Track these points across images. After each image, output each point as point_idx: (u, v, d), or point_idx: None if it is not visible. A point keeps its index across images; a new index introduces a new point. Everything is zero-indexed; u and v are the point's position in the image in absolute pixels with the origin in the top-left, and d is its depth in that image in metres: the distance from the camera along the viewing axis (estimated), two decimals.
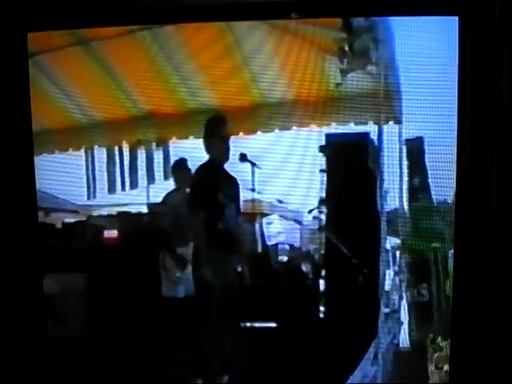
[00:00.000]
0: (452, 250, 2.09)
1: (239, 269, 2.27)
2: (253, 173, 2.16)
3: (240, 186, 2.21)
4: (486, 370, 1.88)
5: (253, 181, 2.18)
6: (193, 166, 2.24)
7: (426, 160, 2.08)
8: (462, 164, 1.89)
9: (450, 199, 2.08)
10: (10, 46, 1.97)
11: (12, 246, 1.96)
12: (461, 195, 1.90)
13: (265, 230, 2.27)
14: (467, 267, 1.90)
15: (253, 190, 2.19)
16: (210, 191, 2.26)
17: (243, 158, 2.16)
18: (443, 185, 2.06)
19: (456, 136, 1.89)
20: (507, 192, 1.91)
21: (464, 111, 1.87)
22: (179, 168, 2.24)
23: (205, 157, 2.24)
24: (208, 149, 2.23)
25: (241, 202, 2.24)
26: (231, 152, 2.20)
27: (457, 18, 1.86)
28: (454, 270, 1.94)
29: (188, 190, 2.28)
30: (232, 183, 2.21)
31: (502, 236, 1.91)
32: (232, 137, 2.21)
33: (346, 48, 2.09)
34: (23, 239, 1.97)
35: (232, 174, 2.22)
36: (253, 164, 2.15)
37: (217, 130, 2.21)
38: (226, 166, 2.22)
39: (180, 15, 1.94)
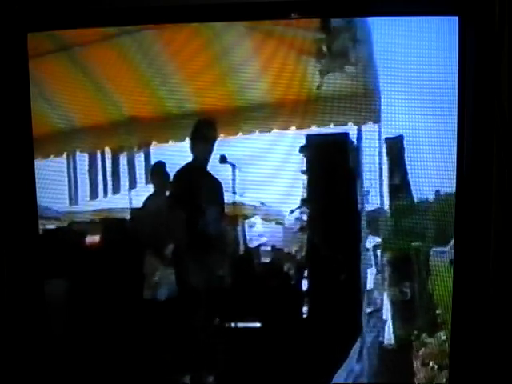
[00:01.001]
0: (433, 249, 2.12)
1: (221, 271, 2.27)
2: (233, 175, 2.17)
3: (223, 188, 2.21)
4: (485, 370, 1.90)
5: (233, 183, 2.18)
6: (172, 169, 2.24)
7: (406, 159, 2.10)
8: (461, 164, 1.93)
9: (431, 198, 2.10)
10: (10, 46, 1.97)
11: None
12: (461, 195, 1.94)
13: (247, 231, 2.27)
14: (467, 266, 1.92)
15: (234, 192, 2.20)
16: (192, 193, 2.27)
17: (223, 159, 2.17)
18: (424, 183, 2.08)
19: (456, 136, 1.93)
20: (507, 192, 1.94)
21: (464, 112, 1.89)
22: (157, 171, 2.24)
23: (185, 160, 2.24)
24: (192, 150, 2.24)
25: (224, 204, 2.24)
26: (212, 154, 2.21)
27: (457, 18, 1.89)
28: (454, 271, 1.98)
29: (169, 192, 2.28)
30: (215, 185, 2.22)
31: (501, 236, 1.93)
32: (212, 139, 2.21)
33: (325, 49, 2.11)
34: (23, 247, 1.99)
35: (215, 176, 2.22)
36: (233, 166, 2.16)
37: (200, 132, 2.22)
38: (209, 169, 2.23)
39: (180, 15, 1.98)
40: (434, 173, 2.05)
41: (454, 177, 1.98)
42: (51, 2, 1.97)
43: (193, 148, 2.24)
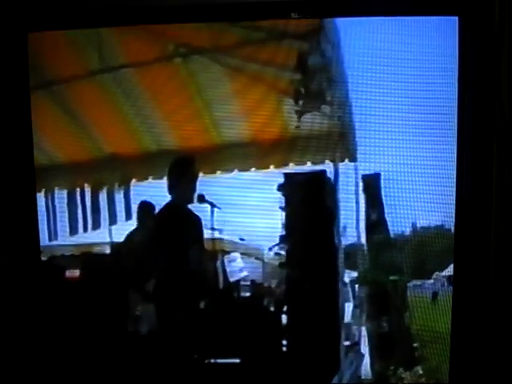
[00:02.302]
0: (410, 283, 2.15)
1: (202, 305, 2.28)
2: (212, 212, 2.19)
3: (203, 225, 2.23)
4: (485, 370, 1.91)
5: (212, 220, 2.20)
6: (156, 205, 2.26)
7: (383, 195, 2.13)
8: (461, 164, 1.92)
9: (408, 232, 2.13)
10: (10, 46, 1.98)
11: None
12: (461, 195, 1.93)
13: (227, 267, 2.29)
14: (467, 266, 1.93)
15: (213, 228, 2.22)
16: (172, 230, 2.28)
17: (201, 199, 2.19)
18: (400, 218, 2.11)
19: (456, 136, 1.92)
20: (507, 192, 1.95)
21: (464, 112, 1.90)
22: (144, 209, 2.25)
23: (165, 197, 2.26)
24: (171, 189, 2.26)
25: (204, 241, 2.26)
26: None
27: (457, 18, 1.89)
28: (454, 271, 1.97)
29: (150, 229, 2.29)
30: (196, 222, 2.24)
31: (501, 236, 1.94)
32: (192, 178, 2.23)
33: (302, 89, 2.14)
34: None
35: (196, 212, 2.24)
36: (212, 205, 2.18)
37: (180, 170, 2.24)
38: (189, 206, 2.25)
39: (180, 15, 1.98)
40: (414, 205, 2.07)
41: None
42: (51, 2, 1.97)
43: (174, 186, 2.25)
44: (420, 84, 2.00)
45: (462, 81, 1.90)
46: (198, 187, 2.21)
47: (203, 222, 2.23)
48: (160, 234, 2.29)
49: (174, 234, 2.28)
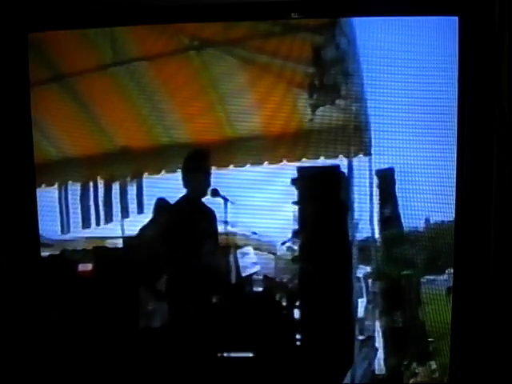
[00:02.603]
0: (424, 278, 2.14)
1: (214, 299, 2.28)
2: (225, 206, 2.18)
3: (217, 218, 2.23)
4: (486, 369, 1.91)
5: (226, 214, 2.19)
6: (169, 200, 2.26)
7: (397, 190, 2.12)
8: (461, 164, 1.92)
9: (421, 227, 2.12)
10: (10, 46, 1.98)
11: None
12: (461, 195, 1.93)
13: (240, 261, 2.28)
14: (467, 266, 1.93)
15: (226, 222, 2.21)
16: (186, 224, 2.28)
17: (215, 193, 2.19)
18: (414, 213, 2.10)
19: (456, 136, 1.92)
20: (507, 192, 1.94)
21: (464, 112, 1.90)
22: (158, 203, 2.25)
23: (177, 191, 2.25)
24: (185, 183, 2.25)
25: (217, 235, 2.25)
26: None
27: (457, 18, 1.89)
28: (454, 271, 1.98)
29: (164, 222, 2.28)
30: (209, 216, 2.23)
31: (501, 236, 1.94)
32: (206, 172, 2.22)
33: (316, 82, 2.12)
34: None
35: (208, 205, 2.24)
36: (225, 199, 2.17)
37: (193, 164, 2.24)
38: (202, 200, 2.24)
39: (180, 15, 1.98)
40: (427, 200, 2.06)
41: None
42: (51, 2, 1.97)
43: (187, 180, 2.25)
44: (420, 84, 1.99)
45: (461, 81, 1.90)
46: (211, 181, 2.20)
47: (217, 216, 2.22)
48: (174, 227, 2.29)
49: (187, 227, 2.27)
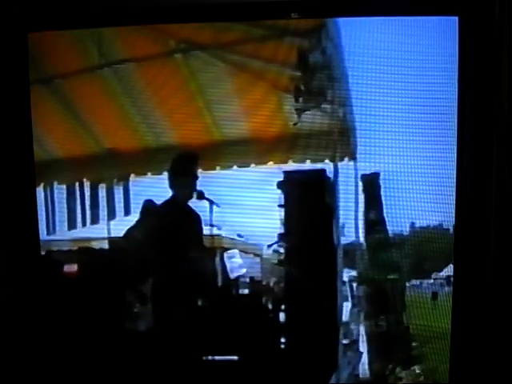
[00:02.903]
0: (409, 282, 2.14)
1: (200, 302, 2.28)
2: (211, 209, 2.18)
3: (203, 222, 2.23)
4: (486, 370, 1.91)
5: (211, 216, 2.19)
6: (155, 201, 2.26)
7: (382, 194, 2.13)
8: (461, 164, 1.92)
9: (406, 231, 2.12)
10: (10, 46, 1.97)
11: None
12: (461, 195, 1.93)
13: (226, 263, 2.28)
14: (467, 266, 1.93)
15: (212, 225, 2.21)
16: (172, 226, 2.28)
17: (201, 195, 2.19)
18: (399, 218, 2.11)
19: (456, 136, 1.92)
20: (507, 192, 1.94)
21: (464, 112, 1.90)
22: (145, 205, 2.25)
23: (164, 193, 2.25)
24: (172, 185, 2.26)
25: (203, 238, 2.25)
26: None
27: (457, 18, 1.89)
28: (454, 271, 1.98)
29: (150, 225, 2.28)
30: (195, 219, 2.23)
31: (501, 236, 1.94)
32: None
33: (302, 87, 2.13)
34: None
35: (195, 209, 2.24)
36: (211, 202, 2.18)
37: (180, 167, 2.24)
38: (188, 202, 2.24)
39: (180, 14, 1.98)
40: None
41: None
42: (51, 2, 1.97)
43: (174, 183, 2.25)
44: (420, 84, 1.99)
45: (461, 81, 1.90)
46: (198, 184, 2.20)
47: (202, 219, 2.22)
48: (160, 229, 2.28)
49: (174, 230, 2.27)
